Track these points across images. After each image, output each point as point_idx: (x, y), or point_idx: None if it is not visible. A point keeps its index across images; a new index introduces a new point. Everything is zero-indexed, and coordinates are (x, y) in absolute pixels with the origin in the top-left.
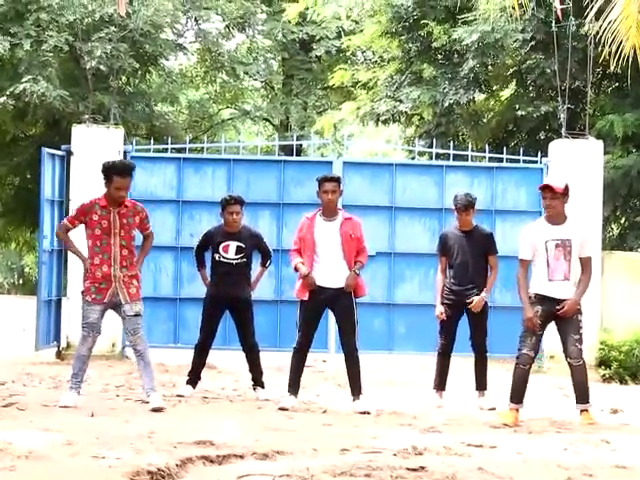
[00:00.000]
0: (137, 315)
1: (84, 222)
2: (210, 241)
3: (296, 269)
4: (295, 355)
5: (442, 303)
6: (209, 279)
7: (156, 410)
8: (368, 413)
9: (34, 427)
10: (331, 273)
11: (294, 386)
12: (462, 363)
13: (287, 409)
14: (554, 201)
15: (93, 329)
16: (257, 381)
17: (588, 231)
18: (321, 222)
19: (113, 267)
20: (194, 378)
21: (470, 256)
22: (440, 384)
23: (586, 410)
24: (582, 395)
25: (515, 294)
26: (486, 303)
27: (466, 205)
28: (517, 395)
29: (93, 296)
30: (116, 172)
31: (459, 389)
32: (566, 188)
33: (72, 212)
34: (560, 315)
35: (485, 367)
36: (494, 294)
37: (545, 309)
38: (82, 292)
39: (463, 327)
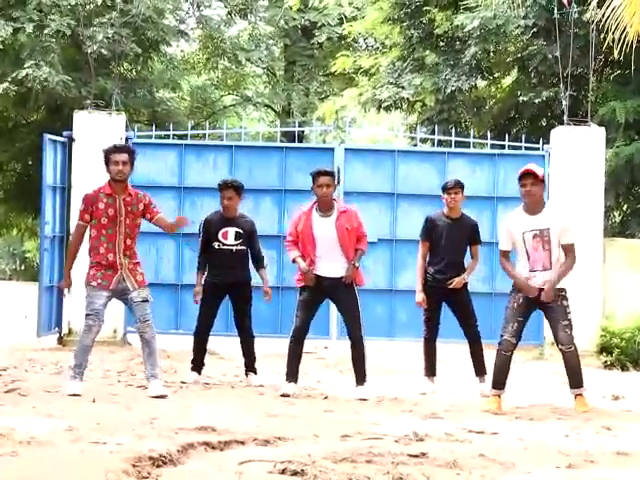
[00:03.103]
0: (145, 301)
1: (91, 213)
2: (209, 229)
3: (294, 261)
4: (292, 345)
5: (424, 290)
6: (206, 271)
7: (157, 397)
8: (365, 400)
9: (36, 413)
10: (330, 265)
11: (293, 375)
12: (460, 349)
13: (289, 395)
14: (534, 187)
15: (98, 317)
16: (250, 367)
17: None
18: (318, 218)
19: (118, 255)
20: (198, 364)
21: (456, 244)
22: (430, 370)
23: (580, 395)
24: (575, 380)
25: None
26: (467, 290)
27: (455, 183)
28: (499, 382)
29: (99, 281)
30: (113, 150)
31: (459, 375)
32: (543, 175)
33: (80, 207)
34: (543, 302)
35: (481, 352)
36: (494, 281)
37: (527, 297)
38: (86, 280)
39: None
